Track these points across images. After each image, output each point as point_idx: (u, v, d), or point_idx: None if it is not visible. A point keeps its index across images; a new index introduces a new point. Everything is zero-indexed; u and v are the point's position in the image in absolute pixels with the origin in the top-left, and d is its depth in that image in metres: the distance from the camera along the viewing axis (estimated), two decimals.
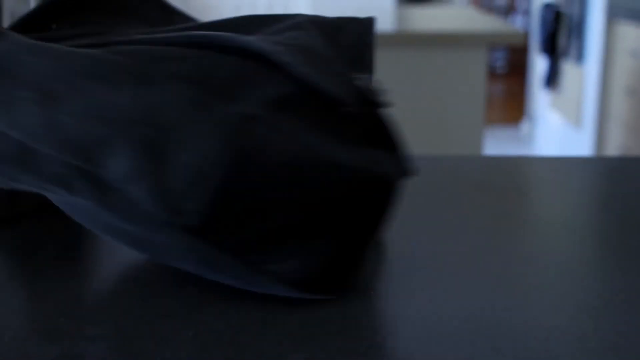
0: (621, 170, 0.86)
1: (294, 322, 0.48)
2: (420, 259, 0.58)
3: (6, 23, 0.83)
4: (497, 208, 0.70)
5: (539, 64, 4.57)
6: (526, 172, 0.87)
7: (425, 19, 3.20)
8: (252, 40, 0.49)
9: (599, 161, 0.94)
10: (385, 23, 2.45)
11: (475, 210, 0.69)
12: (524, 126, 5.23)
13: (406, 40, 2.35)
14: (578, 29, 3.78)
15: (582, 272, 0.56)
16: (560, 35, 4.08)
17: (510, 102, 6.61)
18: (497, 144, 4.84)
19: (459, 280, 0.54)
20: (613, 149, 3.42)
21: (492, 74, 7.27)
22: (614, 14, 3.41)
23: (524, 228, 0.66)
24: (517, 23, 6.99)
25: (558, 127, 4.25)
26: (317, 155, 0.46)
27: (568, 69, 3.98)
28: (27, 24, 0.61)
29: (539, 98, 4.63)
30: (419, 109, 2.38)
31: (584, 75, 3.74)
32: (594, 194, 0.79)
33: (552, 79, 4.21)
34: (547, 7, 4.19)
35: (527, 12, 6.73)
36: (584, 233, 0.64)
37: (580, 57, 3.79)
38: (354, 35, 0.56)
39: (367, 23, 0.57)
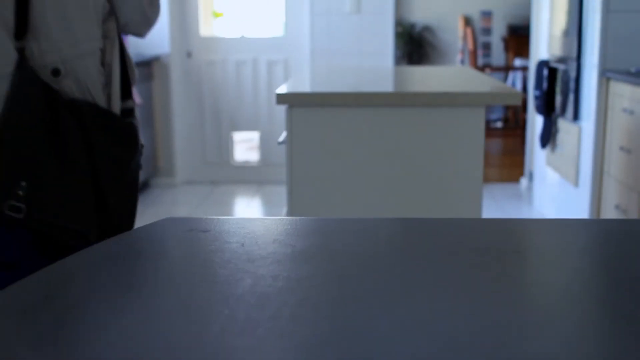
0: (617, 233, 0.88)
1: None
2: (420, 321, 0.60)
3: None
4: (496, 270, 0.72)
5: (537, 120, 4.63)
6: (524, 235, 0.89)
7: (424, 79, 3.26)
8: None
9: (595, 224, 0.97)
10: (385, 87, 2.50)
11: (474, 273, 0.72)
12: (523, 183, 5.27)
13: (404, 100, 2.39)
14: (573, 87, 3.84)
15: (580, 335, 0.58)
16: (555, 94, 4.15)
17: (508, 158, 6.66)
18: (496, 200, 4.87)
19: (457, 339, 0.56)
20: (610, 207, 3.45)
21: (490, 129, 7.34)
22: (608, 73, 3.48)
23: (522, 291, 0.68)
24: (514, 80, 7.09)
25: (556, 184, 4.29)
26: None
27: (564, 127, 4.03)
28: None
29: (538, 155, 4.67)
30: (418, 168, 2.42)
31: (580, 133, 3.79)
32: (591, 256, 0.81)
33: (548, 138, 4.26)
34: (543, 65, 4.26)
35: (524, 69, 6.83)
36: (581, 297, 0.67)
37: (576, 115, 3.84)
38: None
39: None
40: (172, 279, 0.74)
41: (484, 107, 2.39)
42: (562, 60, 4.05)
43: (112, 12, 1.69)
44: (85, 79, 1.63)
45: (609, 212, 3.46)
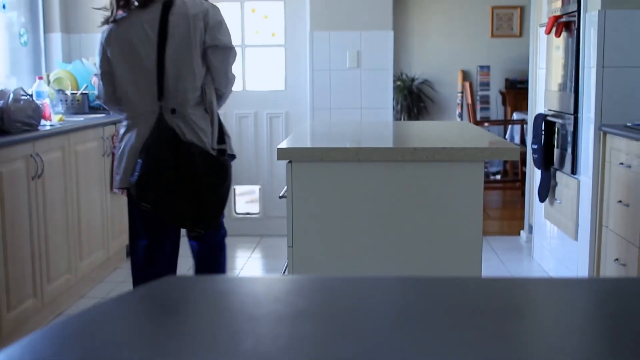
0: (616, 292, 0.89)
1: None
2: None
3: None
4: (495, 330, 0.74)
5: (536, 173, 4.66)
6: (523, 294, 0.90)
7: (423, 133, 3.30)
8: None
9: (594, 282, 0.98)
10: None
11: (474, 332, 0.73)
12: (523, 236, 5.27)
13: (404, 155, 2.42)
14: (571, 141, 3.88)
15: None
16: (554, 147, 4.18)
17: (508, 211, 6.68)
18: (496, 254, 4.87)
19: None
20: (610, 261, 3.45)
21: (489, 182, 7.36)
22: (604, 127, 3.52)
23: (521, 350, 0.69)
24: (513, 133, 7.15)
25: (556, 237, 4.29)
26: None
27: (563, 180, 4.05)
28: None
29: (537, 208, 4.69)
30: (418, 222, 2.43)
31: (579, 187, 3.81)
32: (590, 316, 0.82)
33: (547, 191, 4.28)
34: (541, 119, 4.30)
35: (522, 123, 6.89)
36: (580, 357, 0.68)
37: (574, 169, 3.87)
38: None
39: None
40: (172, 340, 0.75)
41: (483, 162, 2.42)
42: (559, 114, 4.10)
43: (209, 77, 2.90)
44: (192, 120, 2.83)
45: (609, 266, 3.47)
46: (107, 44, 2.90)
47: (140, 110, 2.87)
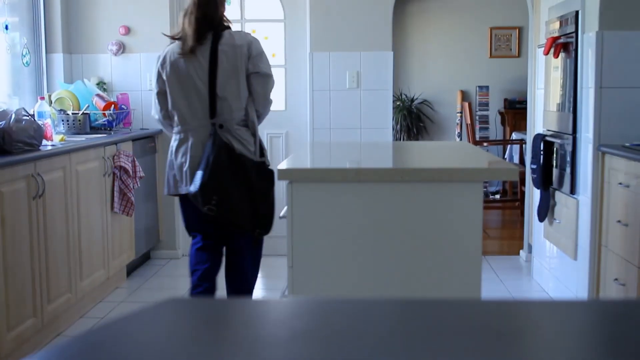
0: (614, 315, 0.90)
1: None
2: None
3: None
4: (495, 352, 0.74)
5: (535, 193, 4.67)
6: (523, 316, 0.91)
7: (423, 154, 3.31)
8: None
9: (592, 305, 0.98)
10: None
11: (474, 355, 0.74)
12: (523, 255, 5.28)
13: (404, 176, 2.44)
14: (570, 161, 3.89)
15: None
16: (552, 167, 4.20)
17: (507, 230, 6.68)
18: (496, 273, 4.87)
19: None
20: (610, 280, 3.45)
21: (489, 201, 7.37)
22: (603, 147, 3.53)
23: None
24: (512, 153, 7.16)
25: (555, 257, 4.30)
26: None
27: (562, 200, 4.07)
28: None
29: (537, 227, 4.69)
30: (418, 242, 2.44)
31: (578, 206, 3.82)
32: (590, 339, 0.83)
33: (546, 211, 4.29)
34: (539, 139, 4.32)
35: (522, 142, 6.91)
36: None
37: (573, 189, 3.88)
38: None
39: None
40: None
41: (482, 182, 2.43)
42: (558, 134, 4.12)
43: (250, 99, 3.39)
44: (237, 135, 3.31)
45: (609, 286, 3.47)
46: (162, 68, 3.39)
47: (191, 126, 3.35)
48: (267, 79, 3.44)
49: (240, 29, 5.24)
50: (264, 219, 3.35)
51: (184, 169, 3.34)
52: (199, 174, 3.22)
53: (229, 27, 3.42)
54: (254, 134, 3.40)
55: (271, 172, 3.35)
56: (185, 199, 3.41)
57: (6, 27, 4.54)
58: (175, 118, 3.39)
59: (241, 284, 3.52)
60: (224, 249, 3.54)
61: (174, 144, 3.43)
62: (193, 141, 3.33)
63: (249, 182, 3.29)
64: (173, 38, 3.40)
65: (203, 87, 3.32)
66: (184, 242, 5.40)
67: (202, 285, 3.41)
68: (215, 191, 3.20)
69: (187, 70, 3.32)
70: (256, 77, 3.39)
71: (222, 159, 3.23)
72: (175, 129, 3.41)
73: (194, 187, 3.23)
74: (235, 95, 3.33)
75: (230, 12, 4.88)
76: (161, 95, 3.42)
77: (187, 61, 3.32)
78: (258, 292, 4.67)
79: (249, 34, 3.50)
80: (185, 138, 3.36)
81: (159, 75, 3.41)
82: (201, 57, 3.31)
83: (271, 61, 5.37)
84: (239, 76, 3.34)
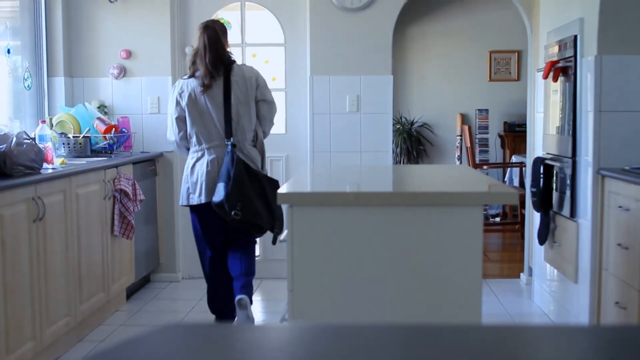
0: (616, 341, 0.90)
1: None
2: None
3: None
4: None
5: (535, 215, 4.67)
6: (524, 342, 0.91)
7: (423, 178, 3.32)
8: None
9: (593, 331, 0.98)
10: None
11: None
12: (523, 278, 5.27)
13: (404, 200, 2.44)
14: (570, 185, 3.90)
15: None
16: (552, 190, 4.20)
17: (508, 253, 6.67)
18: (496, 296, 4.86)
19: None
20: (610, 304, 3.44)
21: (489, 224, 7.37)
22: (603, 171, 3.54)
23: None
24: (512, 176, 7.17)
25: (556, 280, 4.29)
26: None
27: (562, 223, 4.07)
28: None
29: (537, 250, 4.69)
30: (418, 265, 2.44)
31: (578, 230, 3.82)
32: None
33: (546, 234, 4.29)
34: (539, 162, 4.33)
35: (521, 165, 6.93)
36: None
37: (573, 212, 3.88)
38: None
39: None
40: None
41: (482, 206, 2.43)
42: (557, 157, 4.13)
43: (258, 122, 4.00)
44: (247, 152, 3.90)
45: (609, 309, 3.46)
46: (181, 97, 3.92)
47: (207, 146, 3.90)
48: (272, 105, 4.07)
49: (241, 53, 5.29)
50: (280, 220, 3.85)
51: (200, 182, 3.87)
52: (221, 186, 3.74)
53: (234, 60, 3.99)
54: (262, 151, 4.04)
55: (277, 181, 4.01)
56: (195, 209, 3.97)
57: (8, 51, 4.57)
58: (193, 140, 3.92)
59: (247, 268, 4.03)
60: (228, 249, 4.08)
61: (190, 161, 3.95)
62: (209, 159, 3.88)
63: (263, 190, 3.85)
64: (191, 76, 3.93)
65: (219, 113, 3.88)
66: (184, 265, 5.40)
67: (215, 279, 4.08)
68: (239, 198, 3.72)
69: (204, 100, 3.88)
70: (263, 104, 4.01)
71: (241, 172, 3.77)
72: (192, 149, 3.95)
73: (218, 197, 3.74)
74: (246, 119, 3.93)
75: (231, 36, 4.92)
76: (180, 120, 3.93)
77: (204, 92, 3.88)
78: (258, 315, 4.66)
79: (253, 67, 4.09)
80: (202, 156, 3.91)
81: (178, 103, 3.92)
82: (216, 88, 3.88)
83: (272, 85, 5.45)
84: (250, 103, 3.95)
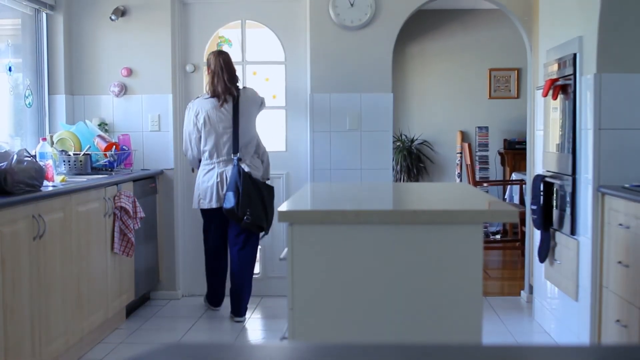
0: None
1: None
2: None
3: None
4: None
5: (536, 233, 4.67)
6: None
7: (423, 196, 3.32)
8: None
9: (593, 351, 0.98)
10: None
11: None
12: (524, 296, 5.25)
13: (404, 218, 2.44)
14: (570, 202, 3.90)
15: None
16: (553, 208, 4.20)
17: (508, 271, 6.66)
18: (497, 314, 4.84)
19: None
20: (611, 322, 3.43)
21: (489, 241, 7.36)
22: (603, 188, 3.54)
23: None
24: (512, 193, 7.18)
25: (556, 297, 4.28)
26: None
27: (562, 241, 4.06)
28: None
29: (537, 268, 4.68)
30: (418, 283, 2.44)
31: (579, 247, 3.81)
32: None
33: (547, 252, 4.29)
34: (539, 180, 4.33)
35: (521, 182, 6.93)
36: None
37: (573, 229, 3.88)
38: None
39: None
40: None
41: (482, 224, 2.43)
42: (557, 175, 4.13)
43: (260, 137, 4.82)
44: (250, 163, 4.63)
45: (610, 327, 3.45)
46: (197, 118, 4.65)
47: (216, 160, 4.66)
48: None
49: (241, 71, 5.32)
50: (271, 222, 4.69)
51: (210, 191, 4.65)
52: (231, 194, 4.50)
53: (240, 86, 4.74)
54: (267, 160, 4.85)
55: (272, 188, 4.75)
56: (205, 212, 4.77)
57: (9, 69, 4.59)
58: (206, 154, 4.67)
59: (250, 271, 4.79)
60: (229, 249, 4.83)
61: (202, 172, 4.72)
62: (218, 171, 4.64)
63: (263, 197, 4.59)
64: (210, 96, 4.66)
65: (228, 132, 4.61)
66: (184, 283, 5.38)
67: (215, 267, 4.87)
68: (249, 206, 4.49)
69: (217, 120, 4.61)
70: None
71: (248, 183, 4.50)
72: (204, 162, 4.70)
73: (228, 204, 4.50)
74: (251, 136, 4.69)
75: (233, 54, 4.96)
76: (196, 140, 4.69)
77: (217, 112, 4.61)
78: (258, 333, 4.64)
79: (255, 91, 4.84)
80: (212, 169, 4.66)
81: (194, 124, 4.66)
82: (226, 109, 4.61)
83: (272, 103, 5.51)
84: (254, 122, 4.73)
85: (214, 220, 4.75)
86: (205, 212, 4.77)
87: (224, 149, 4.60)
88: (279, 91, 5.48)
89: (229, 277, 4.86)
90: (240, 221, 4.48)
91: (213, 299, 4.93)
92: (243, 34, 5.40)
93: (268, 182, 4.83)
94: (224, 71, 4.60)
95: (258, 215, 4.50)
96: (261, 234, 4.71)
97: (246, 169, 4.54)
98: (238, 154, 4.57)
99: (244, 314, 4.76)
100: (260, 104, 4.74)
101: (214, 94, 4.61)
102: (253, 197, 4.48)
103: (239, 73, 4.84)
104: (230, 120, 4.58)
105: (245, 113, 4.61)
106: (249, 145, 4.65)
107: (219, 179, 4.60)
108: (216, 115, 4.58)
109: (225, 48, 5.70)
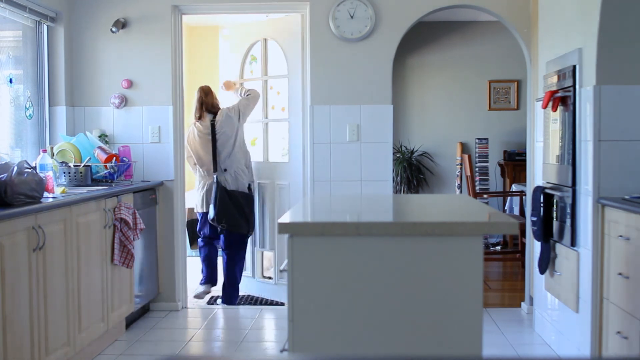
0: None
1: None
2: None
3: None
4: None
5: (536, 244, 4.66)
6: None
7: (423, 207, 3.32)
8: None
9: None
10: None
11: None
12: (524, 307, 5.24)
13: (404, 229, 2.44)
14: (570, 214, 3.89)
15: None
16: (553, 219, 4.20)
17: (509, 282, 6.65)
18: (497, 325, 4.83)
19: None
20: (612, 334, 3.43)
21: (489, 253, 7.35)
22: (603, 200, 3.54)
23: None
24: (512, 204, 7.17)
25: (557, 309, 4.27)
26: None
27: (562, 252, 4.06)
28: None
29: (538, 279, 4.68)
30: (418, 295, 2.44)
31: (579, 259, 3.81)
32: None
33: (547, 263, 4.28)
34: (539, 191, 4.33)
35: (521, 194, 6.93)
36: None
37: (573, 241, 3.88)
38: None
39: None
40: None
41: (482, 236, 2.43)
42: (557, 186, 4.13)
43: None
44: (235, 174, 5.43)
45: (611, 339, 3.45)
46: (188, 142, 5.49)
47: (205, 173, 5.49)
48: (247, 106, 5.57)
49: (261, 86, 5.56)
50: (253, 225, 5.56)
51: (201, 198, 5.53)
52: (212, 207, 5.32)
53: (219, 108, 5.50)
54: (250, 168, 5.54)
55: (252, 196, 5.55)
56: (202, 215, 5.58)
57: (10, 80, 4.60)
58: (198, 167, 5.53)
59: (235, 267, 5.53)
60: (220, 248, 5.60)
61: (196, 182, 5.61)
62: (207, 183, 5.48)
63: (241, 206, 5.39)
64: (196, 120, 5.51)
65: (208, 151, 5.41)
66: (183, 294, 5.38)
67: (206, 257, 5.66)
68: (224, 216, 5.31)
69: (200, 141, 5.45)
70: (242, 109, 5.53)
71: (223, 197, 5.31)
72: (197, 174, 5.59)
73: (211, 214, 5.34)
74: (238, 150, 5.43)
75: (255, 71, 5.28)
76: (190, 157, 5.54)
77: (200, 135, 5.43)
78: (258, 344, 4.63)
79: (231, 106, 5.49)
80: (202, 180, 5.54)
81: (188, 146, 5.50)
82: (205, 130, 5.42)
83: (279, 115, 5.60)
84: (237, 135, 5.44)
85: (206, 219, 5.53)
86: (201, 216, 5.67)
87: (208, 164, 5.43)
88: (285, 104, 5.56)
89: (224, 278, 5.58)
90: (219, 227, 5.38)
91: (208, 278, 5.61)
92: (265, 50, 5.74)
93: (252, 184, 5.60)
94: (201, 102, 5.48)
95: (234, 223, 5.35)
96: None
97: (229, 180, 5.37)
98: (217, 171, 5.37)
99: (234, 304, 5.51)
100: (237, 112, 5.43)
101: (197, 119, 5.49)
102: (228, 209, 5.32)
103: (257, 86, 5.68)
104: (209, 139, 5.39)
105: (226, 129, 5.39)
106: (232, 155, 5.41)
107: (205, 189, 5.50)
108: (200, 136, 5.44)
109: (250, 64, 6.03)
